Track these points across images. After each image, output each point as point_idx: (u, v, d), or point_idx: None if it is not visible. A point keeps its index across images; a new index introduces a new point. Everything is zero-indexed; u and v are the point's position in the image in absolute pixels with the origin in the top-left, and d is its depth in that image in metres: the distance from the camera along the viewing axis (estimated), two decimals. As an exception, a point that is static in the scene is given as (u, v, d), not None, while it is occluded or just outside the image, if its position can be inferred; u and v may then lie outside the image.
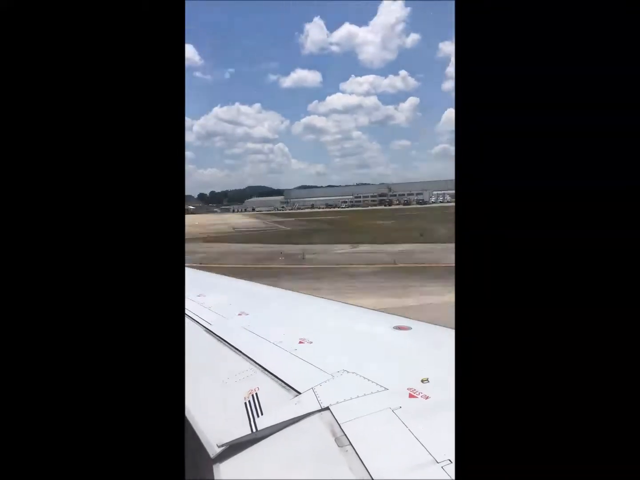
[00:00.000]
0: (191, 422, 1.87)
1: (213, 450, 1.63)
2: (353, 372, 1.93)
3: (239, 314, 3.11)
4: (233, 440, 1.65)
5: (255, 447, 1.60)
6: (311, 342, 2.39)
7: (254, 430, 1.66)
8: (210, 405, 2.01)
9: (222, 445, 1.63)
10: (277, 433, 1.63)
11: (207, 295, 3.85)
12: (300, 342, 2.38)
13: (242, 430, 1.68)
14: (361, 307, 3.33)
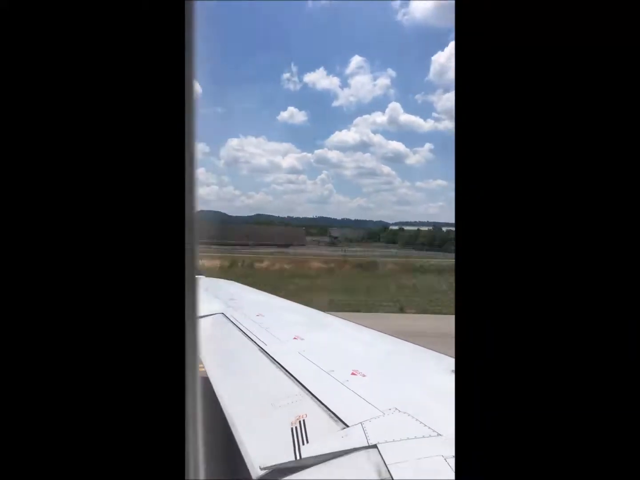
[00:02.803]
0: (237, 440, 1.87)
1: (255, 472, 1.61)
2: (405, 412, 1.84)
3: (294, 338, 3.11)
4: (276, 465, 1.62)
5: (298, 475, 1.56)
6: (364, 375, 2.32)
7: (298, 457, 1.62)
8: (258, 426, 2.00)
9: (264, 469, 1.61)
10: (322, 464, 1.58)
11: (265, 316, 3.90)
12: (352, 374, 2.32)
13: (286, 455, 1.65)
14: (420, 346, 3.21)
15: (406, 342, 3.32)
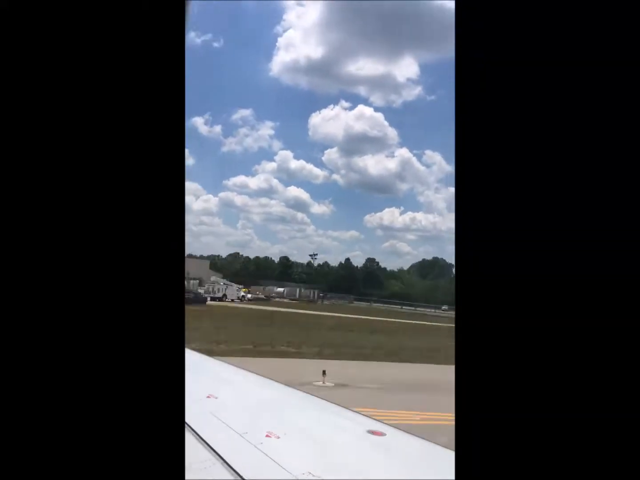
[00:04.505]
0: None
1: None
2: (318, 477, 1.80)
3: (208, 397, 2.95)
4: None
5: None
6: (278, 437, 2.24)
7: None
8: None
9: None
10: None
11: None
12: (267, 436, 2.23)
13: None
14: (338, 405, 3.18)
15: (320, 400, 3.28)
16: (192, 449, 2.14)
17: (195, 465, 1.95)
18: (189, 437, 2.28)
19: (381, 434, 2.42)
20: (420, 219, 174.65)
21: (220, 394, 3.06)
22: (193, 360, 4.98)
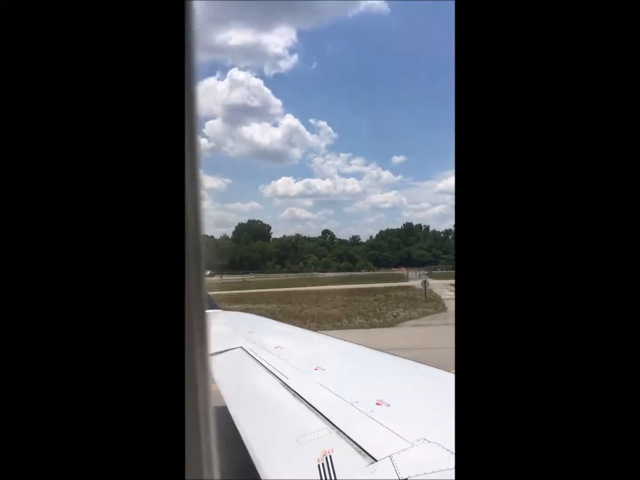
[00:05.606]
0: (262, 479, 1.82)
1: None
2: (435, 442, 1.78)
3: (315, 369, 3.06)
4: None
5: None
6: (389, 405, 2.26)
7: None
8: (283, 464, 1.95)
9: None
10: None
11: (284, 348, 3.87)
12: (377, 404, 2.26)
13: None
14: (444, 370, 3.13)
15: (426, 366, 3.25)
16: (306, 419, 2.24)
17: (312, 435, 2.04)
18: (303, 408, 2.39)
19: None
20: (315, 184, 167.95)
21: (327, 366, 3.16)
22: (296, 334, 5.21)
